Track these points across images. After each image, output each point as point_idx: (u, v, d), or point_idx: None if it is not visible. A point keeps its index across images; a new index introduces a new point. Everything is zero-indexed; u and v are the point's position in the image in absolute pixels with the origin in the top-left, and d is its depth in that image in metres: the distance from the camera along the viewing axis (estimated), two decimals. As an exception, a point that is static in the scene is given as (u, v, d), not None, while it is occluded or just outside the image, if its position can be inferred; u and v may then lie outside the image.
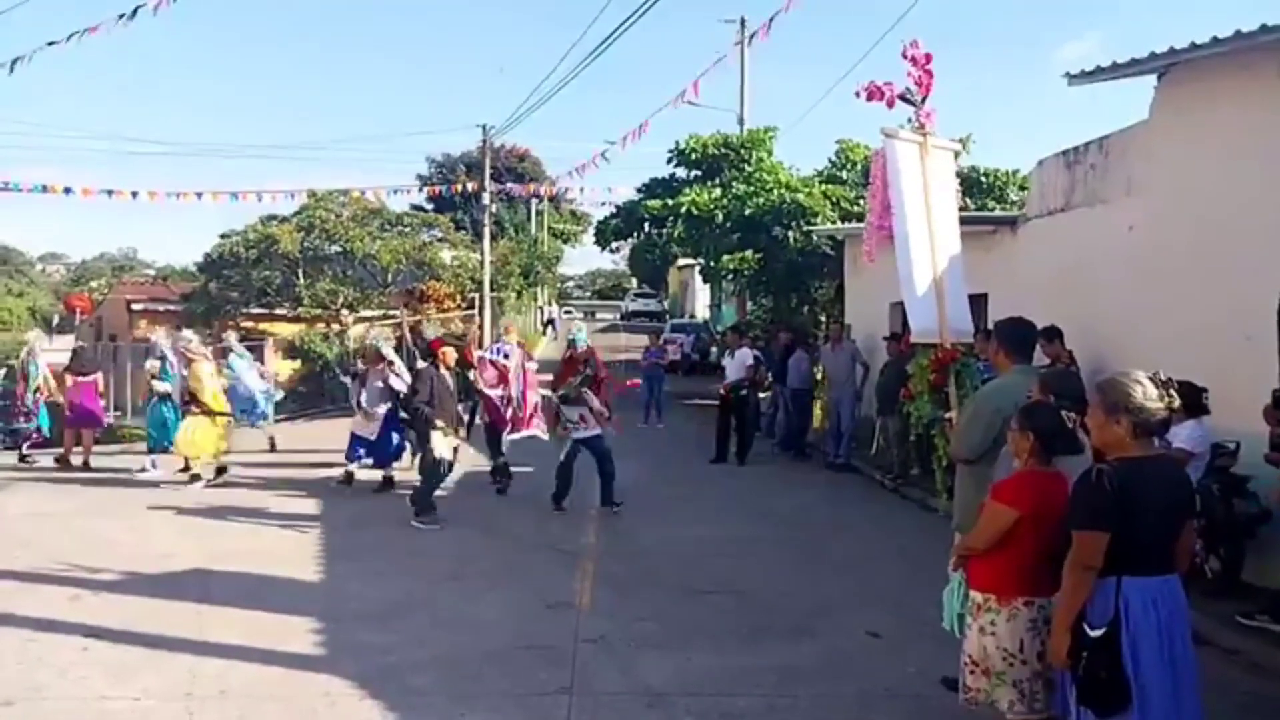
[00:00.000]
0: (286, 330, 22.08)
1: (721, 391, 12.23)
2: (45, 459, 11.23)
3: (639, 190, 20.11)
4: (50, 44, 11.28)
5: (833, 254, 16.62)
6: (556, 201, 42.30)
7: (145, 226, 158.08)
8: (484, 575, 6.57)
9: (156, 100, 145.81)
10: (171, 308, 24.82)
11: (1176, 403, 3.08)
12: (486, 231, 23.94)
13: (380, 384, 9.37)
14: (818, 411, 13.19)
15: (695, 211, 17.53)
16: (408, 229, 25.00)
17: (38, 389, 11.17)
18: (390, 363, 9.38)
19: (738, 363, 12.11)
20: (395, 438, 9.58)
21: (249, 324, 22.52)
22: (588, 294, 77.52)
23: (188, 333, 10.70)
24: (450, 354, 8.77)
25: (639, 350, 19.53)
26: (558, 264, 40.27)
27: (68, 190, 18.64)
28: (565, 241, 45.12)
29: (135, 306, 25.91)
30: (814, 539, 8.04)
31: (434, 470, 8.13)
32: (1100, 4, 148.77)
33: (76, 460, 10.96)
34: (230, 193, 19.76)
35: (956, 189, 5.34)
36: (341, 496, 9.25)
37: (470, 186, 25.18)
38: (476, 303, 23.23)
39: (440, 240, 25.84)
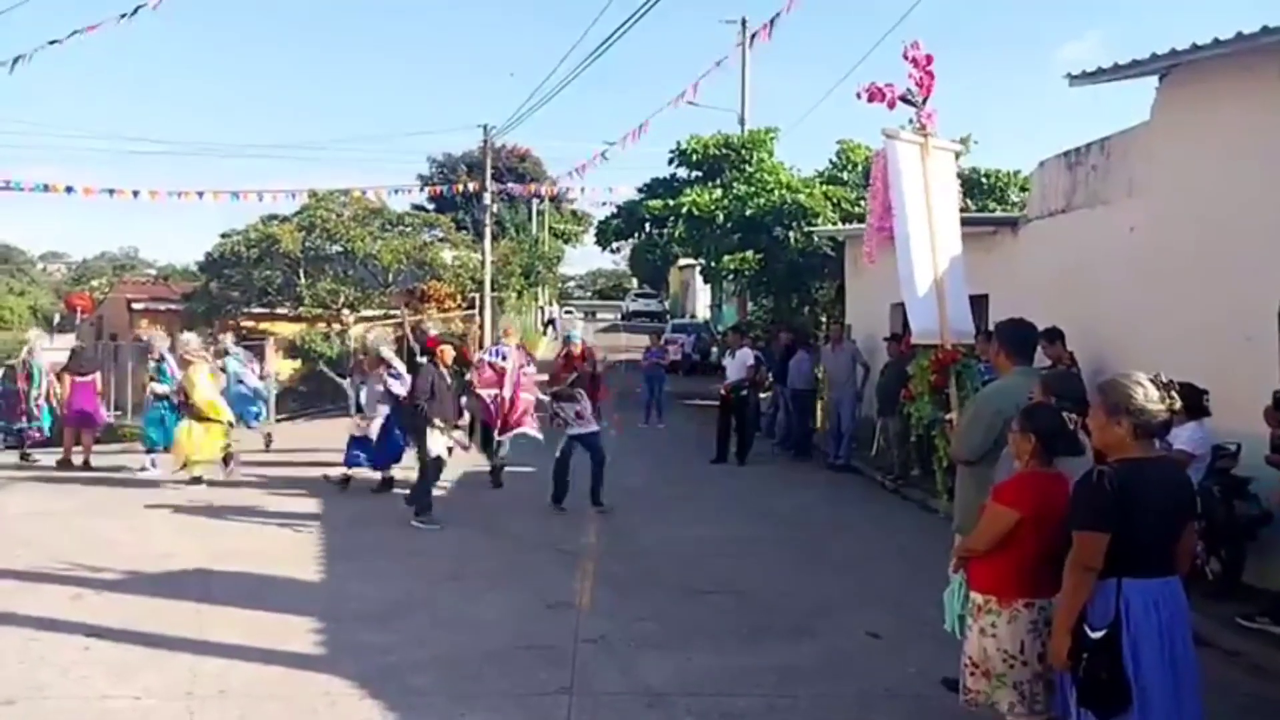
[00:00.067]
0: (287, 330, 22.09)
1: (722, 392, 12.23)
2: (47, 459, 11.24)
3: (640, 190, 20.11)
4: (52, 43, 11.30)
5: (833, 255, 16.63)
6: (557, 201, 42.29)
7: (146, 226, 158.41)
8: (484, 575, 6.57)
9: (158, 100, 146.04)
10: (172, 307, 24.86)
11: (1177, 404, 3.09)
12: (487, 231, 23.95)
13: (380, 388, 9.36)
14: (819, 413, 13.19)
15: (696, 212, 17.54)
16: (409, 229, 25.02)
17: (41, 392, 11.16)
18: (390, 366, 9.34)
19: (738, 363, 12.11)
20: (395, 439, 9.54)
21: (250, 323, 22.54)
22: (589, 294, 77.47)
23: (188, 335, 10.69)
24: (448, 352, 8.80)
25: (640, 350, 19.55)
26: (559, 264, 40.27)
27: (69, 189, 18.65)
28: (566, 241, 45.08)
29: (136, 306, 25.94)
30: (814, 539, 8.04)
31: (432, 467, 8.14)
32: (1101, 4, 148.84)
33: (77, 460, 10.97)
34: (231, 192, 19.80)
35: (957, 190, 5.35)
36: (341, 496, 9.25)
37: (471, 186, 25.18)
38: (477, 303, 23.25)
39: (441, 240, 25.86)
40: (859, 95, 5.03)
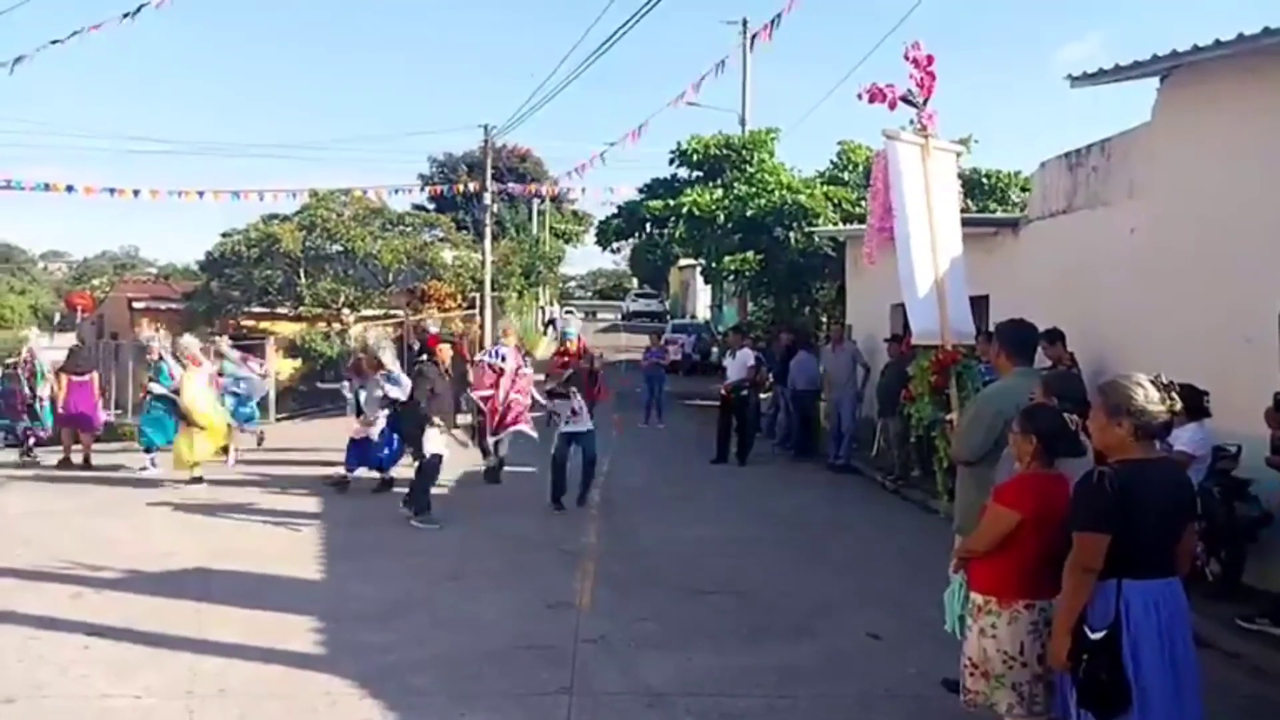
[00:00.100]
0: (288, 329, 22.09)
1: (722, 392, 12.23)
2: (49, 458, 11.25)
3: (640, 190, 20.12)
4: (53, 42, 11.29)
5: (834, 255, 16.63)
6: (558, 201, 42.32)
7: (147, 225, 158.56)
8: (484, 575, 6.57)
9: (160, 99, 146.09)
10: (173, 306, 24.84)
11: (1178, 405, 3.09)
12: (488, 231, 23.95)
13: (379, 393, 9.35)
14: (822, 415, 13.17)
15: (697, 212, 17.54)
16: (409, 228, 25.01)
17: (46, 392, 11.17)
18: (388, 371, 9.31)
19: (739, 363, 12.11)
20: (394, 441, 9.52)
21: (250, 323, 22.54)
22: (589, 294, 77.48)
23: (188, 338, 10.69)
24: (446, 351, 8.82)
25: (640, 350, 19.55)
26: (559, 264, 40.27)
27: (70, 189, 18.64)
28: (567, 241, 45.11)
29: (137, 305, 25.92)
30: (814, 539, 8.04)
31: (430, 466, 8.15)
32: (1102, 5, 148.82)
33: (77, 459, 10.97)
34: (232, 192, 19.78)
35: (958, 191, 5.34)
36: (341, 496, 9.25)
37: (472, 186, 25.19)
38: (478, 302, 23.25)
39: (442, 240, 25.84)
40: (860, 96, 5.03)
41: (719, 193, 17.90)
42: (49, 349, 12.67)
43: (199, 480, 9.58)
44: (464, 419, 9.69)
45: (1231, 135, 6.68)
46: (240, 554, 6.92)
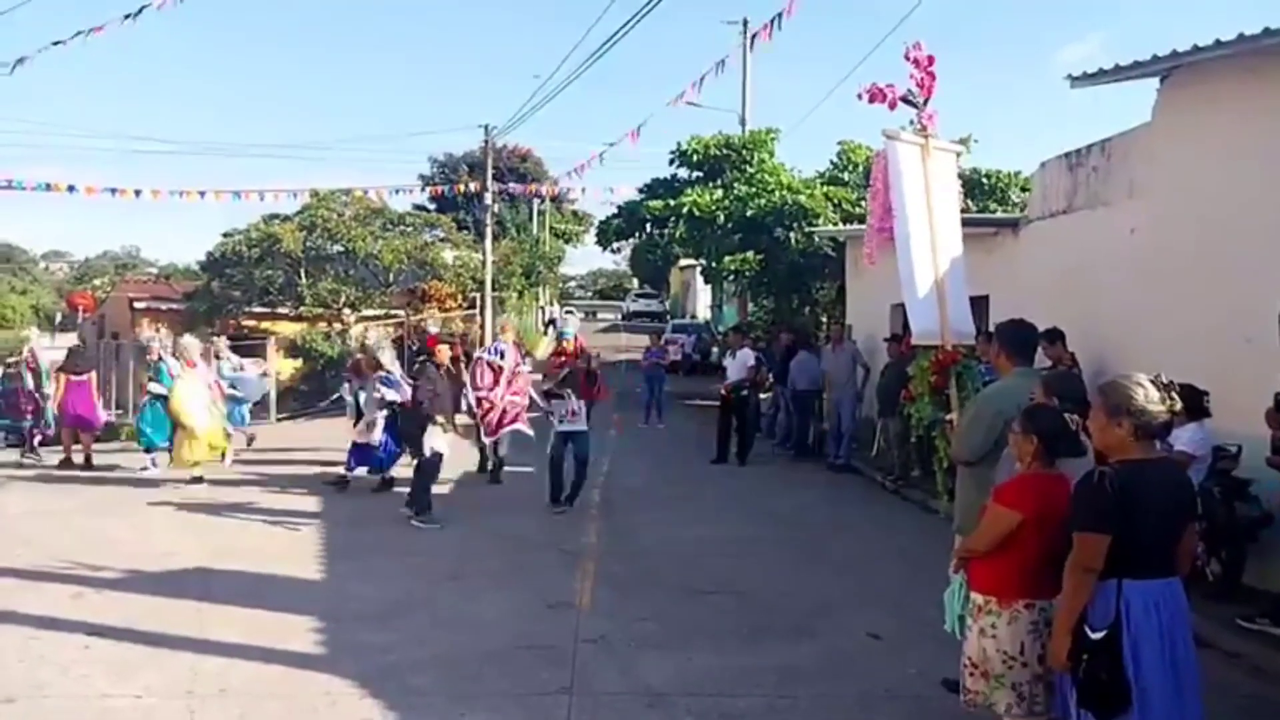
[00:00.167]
0: (288, 329, 22.10)
1: (722, 392, 12.23)
2: (51, 457, 11.26)
3: (641, 191, 20.12)
4: (55, 43, 11.30)
5: (834, 255, 16.63)
6: (558, 201, 42.32)
7: (148, 225, 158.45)
8: (484, 575, 6.58)
9: (161, 99, 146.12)
10: (174, 306, 24.84)
11: (1178, 405, 3.08)
12: (488, 231, 23.95)
13: (377, 394, 9.36)
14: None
15: (697, 212, 17.54)
16: (410, 229, 25.01)
17: (50, 392, 11.19)
18: (387, 373, 9.32)
19: (739, 363, 12.11)
20: (388, 443, 9.52)
21: (251, 323, 22.55)
22: (589, 294, 77.46)
23: (188, 338, 10.69)
24: (445, 351, 8.84)
25: (640, 350, 19.55)
26: (559, 264, 40.26)
27: (71, 189, 18.63)
28: (567, 241, 45.10)
29: (138, 305, 25.91)
30: (814, 539, 8.04)
31: (430, 465, 8.15)
32: (1102, 5, 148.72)
33: (77, 459, 10.97)
34: (233, 192, 19.78)
35: (958, 191, 5.34)
36: (341, 496, 9.26)
37: (472, 186, 25.18)
38: (478, 302, 23.25)
39: (442, 240, 25.85)
40: (860, 96, 5.03)
41: (719, 193, 17.89)
42: (49, 349, 12.69)
43: (199, 480, 9.58)
44: (464, 420, 9.68)
45: (1232, 135, 6.68)
46: (241, 554, 6.92)
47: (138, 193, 18.90)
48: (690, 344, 26.92)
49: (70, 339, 21.97)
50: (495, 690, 4.50)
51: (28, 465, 11.08)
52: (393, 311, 22.82)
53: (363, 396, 9.54)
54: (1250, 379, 5.93)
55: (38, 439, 11.48)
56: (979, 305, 7.21)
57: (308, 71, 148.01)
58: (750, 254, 17.31)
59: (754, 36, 15.17)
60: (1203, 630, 4.41)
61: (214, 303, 22.94)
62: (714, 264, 18.07)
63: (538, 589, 6.15)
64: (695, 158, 18.80)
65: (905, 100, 5.00)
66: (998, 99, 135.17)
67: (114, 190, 19.02)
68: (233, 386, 11.45)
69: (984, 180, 17.81)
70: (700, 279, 32.26)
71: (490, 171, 23.90)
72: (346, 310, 22.48)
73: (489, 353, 9.63)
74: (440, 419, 8.28)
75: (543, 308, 38.83)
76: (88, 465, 10.88)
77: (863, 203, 14.96)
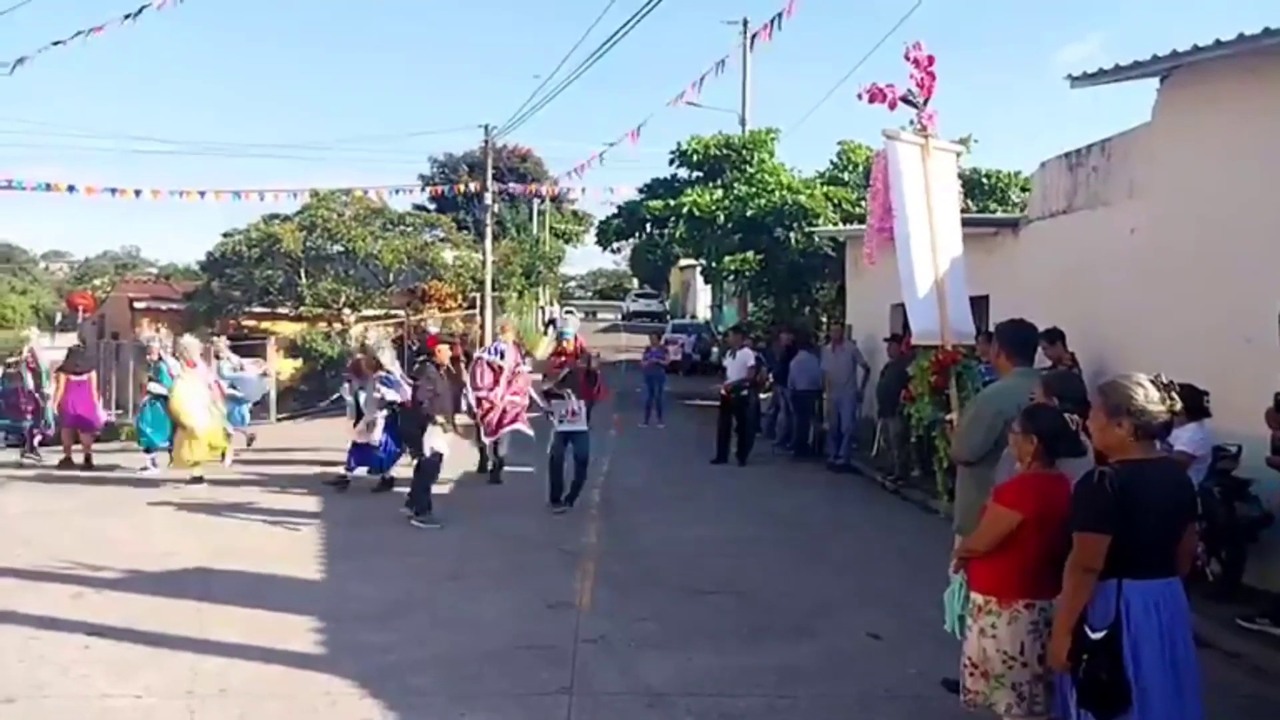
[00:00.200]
0: (288, 329, 22.11)
1: (722, 392, 12.23)
2: (51, 457, 11.26)
3: (641, 191, 20.12)
4: (56, 43, 11.30)
5: (834, 255, 16.63)
6: (558, 201, 42.32)
7: (148, 225, 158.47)
8: (484, 575, 6.58)
9: (161, 99, 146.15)
10: (174, 306, 24.85)
11: (1178, 405, 3.08)
12: (488, 231, 23.95)
13: (377, 394, 9.37)
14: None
15: (697, 212, 17.54)
16: (410, 229, 25.02)
17: (45, 392, 11.20)
18: (387, 373, 9.32)
19: (739, 363, 12.11)
20: (388, 443, 9.52)
21: (251, 323, 22.55)
22: (589, 294, 77.46)
23: (188, 338, 10.69)
24: (444, 351, 8.84)
25: (640, 350, 19.55)
26: (559, 264, 40.26)
27: (71, 189, 18.63)
28: (567, 241, 45.10)
29: (138, 305, 25.92)
30: (814, 539, 8.04)
31: (430, 465, 8.16)
32: (1102, 6, 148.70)
33: (77, 459, 10.98)
34: (233, 192, 19.78)
35: (958, 191, 5.34)
36: (341, 496, 9.26)
37: (472, 186, 25.18)
38: (478, 303, 23.25)
39: (442, 240, 25.85)
40: (860, 96, 5.03)
41: (719, 193, 17.90)
42: (49, 349, 12.69)
43: (199, 480, 9.58)
44: (464, 419, 9.69)
45: (1232, 135, 6.68)
46: (241, 554, 6.92)
47: (138, 193, 18.91)
48: (690, 344, 26.92)
49: (70, 339, 21.97)
50: (495, 690, 4.50)
51: (28, 465, 11.08)
52: (393, 311, 22.82)
53: (362, 396, 9.55)
54: (1250, 379, 5.93)
55: (38, 439, 11.48)
56: (979, 305, 7.21)
57: (308, 71, 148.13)
58: (750, 254, 17.31)
59: (754, 36, 15.18)
60: (1203, 630, 4.41)
61: (214, 303, 22.94)
62: (714, 264, 18.07)
63: (538, 589, 6.15)
64: (695, 158, 18.80)
65: (905, 100, 5.00)
66: (998, 99, 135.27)
67: (114, 190, 19.02)
68: (233, 386, 11.45)
69: (984, 180, 17.81)
70: (700, 279, 32.26)
71: (490, 171, 23.90)
72: (346, 310, 22.49)
73: (489, 353, 9.64)
74: (440, 419, 8.29)
75: (543, 308, 38.84)
76: (88, 465, 10.89)
77: (863, 203, 14.96)
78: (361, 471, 9.51)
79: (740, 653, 5.09)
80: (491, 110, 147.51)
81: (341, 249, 23.01)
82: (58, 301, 56.59)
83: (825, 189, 17.75)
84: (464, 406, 9.54)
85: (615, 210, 21.12)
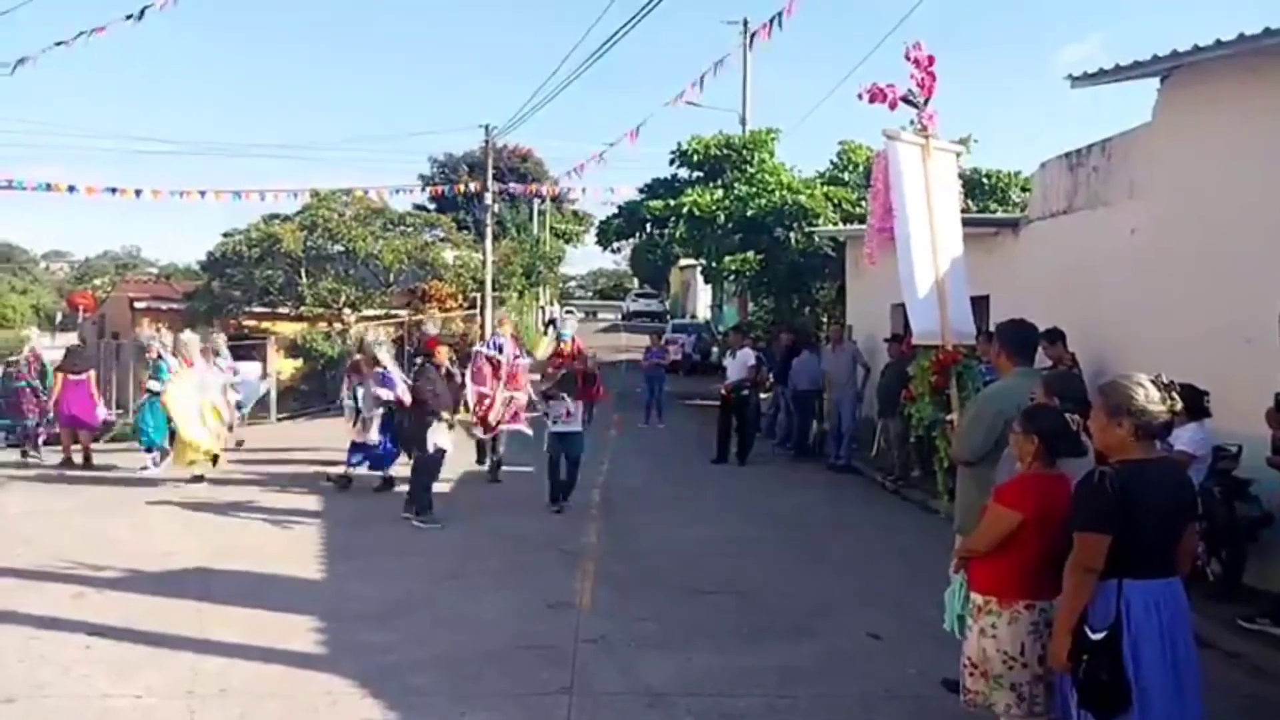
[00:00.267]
0: (289, 329, 22.11)
1: (723, 392, 12.23)
2: (52, 457, 11.26)
3: (641, 191, 20.12)
4: (58, 44, 11.30)
5: (834, 255, 16.63)
6: (559, 201, 42.31)
7: (149, 225, 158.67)
8: (484, 574, 6.58)
9: (162, 99, 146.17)
10: (174, 306, 24.87)
11: (1178, 405, 3.08)
12: (489, 231, 23.94)
13: (374, 392, 9.38)
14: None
15: (697, 212, 17.54)
16: (410, 229, 25.02)
17: (52, 391, 11.21)
18: (383, 370, 9.31)
19: (739, 363, 12.11)
20: (389, 444, 9.53)
21: (251, 323, 22.56)
22: (589, 294, 77.46)
23: (188, 333, 10.67)
24: (444, 352, 8.87)
25: (640, 350, 19.55)
26: (560, 264, 40.25)
27: (72, 189, 18.62)
28: (567, 241, 45.09)
29: (138, 305, 25.95)
30: (814, 540, 8.04)
31: (430, 464, 8.16)
32: (1102, 6, 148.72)
33: (77, 459, 10.98)
34: (233, 192, 19.76)
35: (958, 191, 5.34)
36: (342, 495, 9.27)
37: (473, 186, 25.17)
38: (479, 303, 23.25)
39: (442, 240, 25.85)
40: (860, 96, 5.03)
41: (719, 193, 17.89)
42: (49, 349, 12.70)
43: (199, 479, 9.58)
44: (462, 417, 9.69)
45: (1232, 136, 6.68)
46: (241, 553, 6.93)
47: (138, 193, 18.90)
48: (690, 344, 26.93)
49: (70, 339, 22.01)
50: (495, 690, 4.50)
51: (30, 464, 11.08)
52: (393, 311, 22.83)
53: (360, 393, 9.57)
54: (1250, 379, 5.93)
55: (42, 438, 11.49)
56: (979, 305, 7.21)
57: (308, 71, 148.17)
58: (750, 254, 17.31)
59: (754, 36, 15.17)
60: (1203, 630, 4.41)
61: (214, 302, 22.95)
62: (714, 264, 18.07)
63: (538, 589, 6.15)
64: (695, 158, 18.80)
65: (905, 100, 5.00)
66: (998, 99, 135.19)
67: (114, 190, 19.01)
68: (232, 388, 11.45)
69: (984, 180, 17.81)
70: (700, 279, 32.25)
71: (490, 171, 23.88)
72: (347, 310, 22.50)
73: (488, 346, 9.69)
74: (445, 415, 8.32)
75: (543, 308, 38.84)
76: (87, 465, 10.89)
77: (863, 203, 14.97)
78: (363, 470, 9.52)
79: (740, 653, 5.09)
80: (491, 110, 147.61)
81: (342, 249, 23.02)
82: (58, 301, 56.64)
83: (825, 189, 17.74)
84: (463, 405, 9.55)
85: (615, 210, 21.13)
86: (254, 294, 22.82)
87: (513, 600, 5.94)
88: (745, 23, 21.57)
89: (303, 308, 22.44)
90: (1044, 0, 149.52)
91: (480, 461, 10.30)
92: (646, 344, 20.18)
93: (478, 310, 23.10)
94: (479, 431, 9.65)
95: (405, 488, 8.52)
